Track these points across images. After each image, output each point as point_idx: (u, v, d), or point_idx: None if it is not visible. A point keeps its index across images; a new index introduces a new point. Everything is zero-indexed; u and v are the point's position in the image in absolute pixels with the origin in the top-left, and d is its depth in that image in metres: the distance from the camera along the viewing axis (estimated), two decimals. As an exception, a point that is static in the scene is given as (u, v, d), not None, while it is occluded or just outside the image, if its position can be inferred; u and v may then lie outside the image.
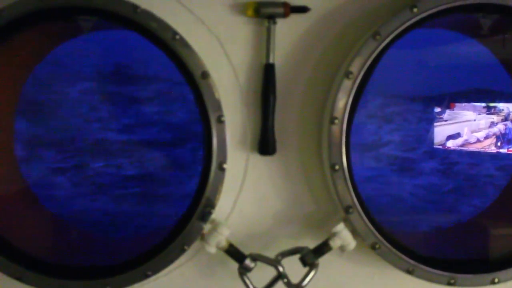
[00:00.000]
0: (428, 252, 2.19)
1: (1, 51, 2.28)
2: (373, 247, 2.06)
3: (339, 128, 2.00)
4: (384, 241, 2.05)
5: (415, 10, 1.94)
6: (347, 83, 1.98)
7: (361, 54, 1.97)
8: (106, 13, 2.03)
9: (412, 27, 1.98)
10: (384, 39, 1.96)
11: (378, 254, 2.07)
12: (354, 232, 2.06)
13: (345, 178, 2.01)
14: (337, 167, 2.00)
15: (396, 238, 2.10)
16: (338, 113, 1.99)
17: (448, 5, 1.94)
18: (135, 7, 1.99)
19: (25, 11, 2.00)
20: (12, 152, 2.77)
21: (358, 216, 2.03)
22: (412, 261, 2.06)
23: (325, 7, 2.09)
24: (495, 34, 2.32)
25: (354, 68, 1.97)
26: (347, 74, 1.97)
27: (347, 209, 2.03)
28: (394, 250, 2.06)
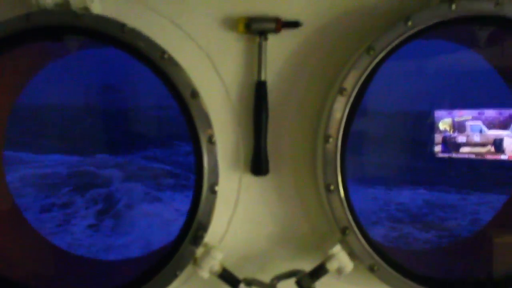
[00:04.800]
0: (429, 273, 2.12)
1: None
2: (371, 269, 1.99)
3: (334, 147, 1.94)
4: (383, 263, 1.99)
5: (409, 23, 1.88)
6: (341, 100, 1.93)
7: (354, 70, 1.91)
8: (93, 32, 1.99)
9: (407, 41, 1.93)
10: (378, 54, 1.91)
11: (377, 276, 2.00)
12: (351, 254, 2.00)
13: (340, 199, 1.95)
14: (332, 187, 1.94)
15: (395, 259, 2.04)
16: (332, 131, 1.93)
17: (443, 18, 1.88)
18: (122, 25, 1.94)
19: (11, 31, 1.96)
20: (2, 175, 2.72)
21: (355, 238, 1.97)
22: (412, 283, 2.00)
23: (318, 22, 2.04)
24: (492, 44, 2.26)
25: (348, 84, 1.92)
26: (341, 91, 1.92)
27: (344, 230, 1.96)
28: (393, 272, 1.99)
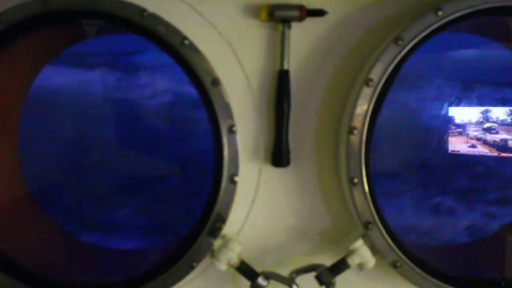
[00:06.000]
0: (454, 270, 2.07)
1: (4, 54, 2.19)
2: (394, 265, 1.94)
3: (359, 139, 1.88)
4: (406, 259, 1.93)
5: (439, 13, 1.82)
6: (367, 91, 1.87)
7: (382, 60, 1.85)
8: (111, 17, 1.94)
9: (436, 32, 1.86)
10: (407, 44, 1.84)
11: (399, 273, 1.95)
12: (374, 249, 1.94)
13: (364, 192, 1.90)
14: (356, 180, 1.89)
15: (419, 255, 1.98)
16: (357, 123, 1.88)
17: (475, 8, 1.81)
18: (142, 10, 1.89)
19: (28, 15, 1.91)
20: (16, 158, 2.69)
21: (378, 232, 1.92)
22: (436, 281, 1.94)
23: (344, 10, 1.97)
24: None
25: (374, 75, 1.86)
26: (367, 82, 1.86)
27: (366, 225, 1.91)
28: (416, 268, 1.94)
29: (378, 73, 1.86)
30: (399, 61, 1.86)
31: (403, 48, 1.84)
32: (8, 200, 2.53)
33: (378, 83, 1.86)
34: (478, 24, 2.20)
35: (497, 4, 1.80)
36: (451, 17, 1.83)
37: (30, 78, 2.61)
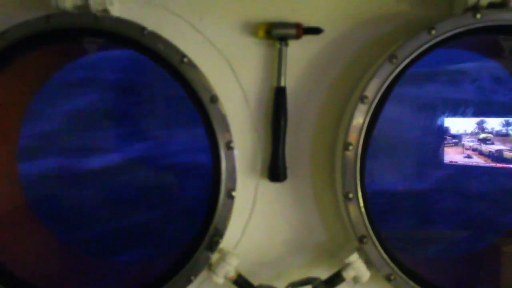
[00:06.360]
0: (448, 283, 2.09)
1: (7, 70, 2.22)
2: (388, 278, 1.97)
3: (354, 155, 1.91)
4: (400, 273, 1.96)
5: (433, 32, 1.86)
6: (362, 108, 1.90)
7: (376, 78, 1.89)
8: (112, 35, 1.97)
9: (430, 50, 1.90)
10: (401, 62, 1.88)
11: (394, 286, 1.98)
12: (368, 263, 1.97)
13: (359, 207, 1.93)
14: (351, 195, 1.92)
15: (413, 268, 2.01)
16: (352, 139, 1.91)
17: (468, 27, 1.86)
18: (142, 28, 1.93)
19: (30, 33, 1.95)
20: (15, 174, 2.70)
21: (373, 246, 1.95)
22: None
23: (339, 28, 2.01)
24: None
25: (369, 92, 1.89)
26: (362, 99, 1.90)
27: (361, 239, 1.94)
28: (410, 282, 1.97)
29: (372, 90, 1.89)
30: (393, 78, 1.90)
31: (398, 66, 1.88)
32: (6, 211, 2.55)
33: (373, 100, 1.90)
34: (471, 42, 2.24)
35: (488, 24, 1.85)
36: (444, 36, 1.87)
37: (31, 92, 2.64)
